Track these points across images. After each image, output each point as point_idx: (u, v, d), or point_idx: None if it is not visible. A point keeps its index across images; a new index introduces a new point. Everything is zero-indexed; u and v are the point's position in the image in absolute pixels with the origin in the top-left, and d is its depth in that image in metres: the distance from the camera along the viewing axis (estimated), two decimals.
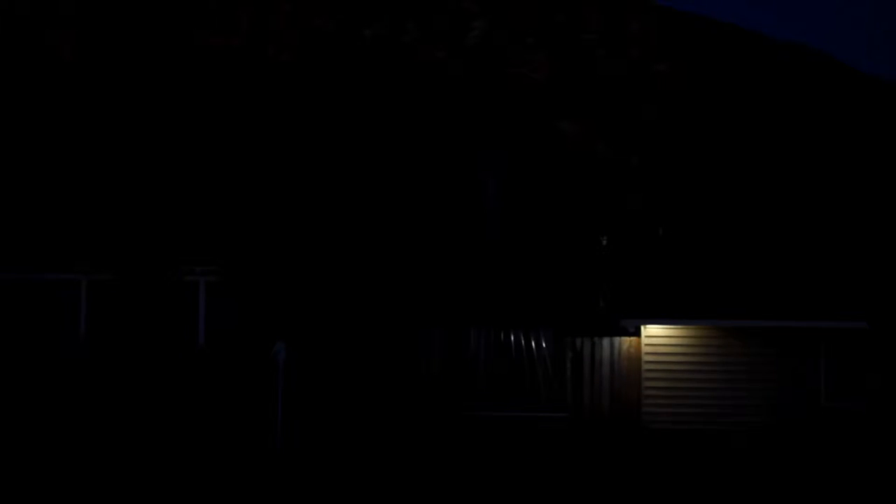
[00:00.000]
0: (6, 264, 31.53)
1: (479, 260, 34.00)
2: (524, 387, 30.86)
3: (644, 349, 30.38)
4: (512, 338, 30.99)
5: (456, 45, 40.99)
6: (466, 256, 34.33)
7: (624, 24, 42.22)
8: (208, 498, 22.72)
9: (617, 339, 30.85)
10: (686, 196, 37.68)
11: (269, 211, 34.98)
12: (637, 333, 30.61)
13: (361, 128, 37.18)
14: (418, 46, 40.71)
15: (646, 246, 33.55)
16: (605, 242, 35.65)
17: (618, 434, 29.58)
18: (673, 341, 30.37)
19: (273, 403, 27.26)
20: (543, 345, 30.85)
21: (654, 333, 30.37)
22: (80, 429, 28.19)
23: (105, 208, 33.57)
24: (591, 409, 30.85)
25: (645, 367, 30.36)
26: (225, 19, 40.67)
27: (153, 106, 37.35)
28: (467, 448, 27.47)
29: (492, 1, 42.20)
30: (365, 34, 40.96)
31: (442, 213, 34.88)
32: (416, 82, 39.27)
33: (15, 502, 22.22)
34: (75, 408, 29.18)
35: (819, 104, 41.50)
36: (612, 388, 30.82)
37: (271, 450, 26.58)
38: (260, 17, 40.94)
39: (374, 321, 33.56)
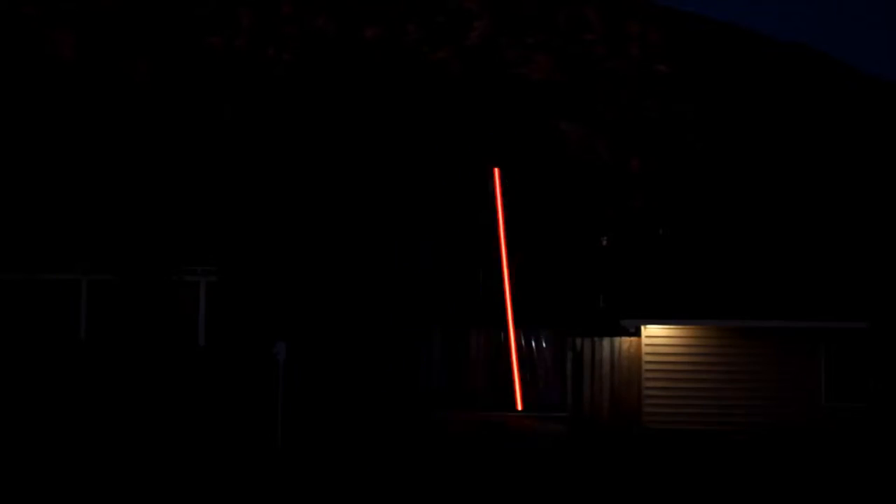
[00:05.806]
0: (7, 264, 31.55)
1: (478, 260, 33.99)
2: (524, 386, 30.88)
3: (644, 349, 30.38)
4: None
5: (457, 46, 41.02)
6: (465, 256, 34.34)
7: (624, 25, 42.26)
8: (210, 496, 22.76)
9: (617, 339, 30.86)
10: (686, 196, 37.70)
11: (270, 212, 35.01)
12: (637, 333, 30.61)
13: (361, 129, 37.22)
14: (419, 47, 40.76)
15: (646, 246, 33.55)
16: (605, 242, 35.66)
17: (618, 434, 29.59)
18: (673, 341, 30.36)
19: (273, 403, 27.29)
20: (544, 345, 30.87)
21: (654, 333, 30.37)
22: (81, 429, 28.22)
23: (105, 209, 33.59)
24: (591, 408, 30.86)
25: (645, 367, 30.36)
26: (226, 20, 40.71)
27: (154, 106, 37.39)
28: (467, 446, 27.48)
29: (492, 1, 42.24)
30: (366, 35, 40.99)
31: (442, 212, 34.91)
32: (417, 83, 39.31)
33: (17, 501, 22.28)
34: (76, 407, 29.21)
35: (819, 104, 41.53)
36: (612, 388, 30.83)
37: (272, 449, 26.61)
38: (261, 17, 40.99)
39: (374, 320, 33.58)
